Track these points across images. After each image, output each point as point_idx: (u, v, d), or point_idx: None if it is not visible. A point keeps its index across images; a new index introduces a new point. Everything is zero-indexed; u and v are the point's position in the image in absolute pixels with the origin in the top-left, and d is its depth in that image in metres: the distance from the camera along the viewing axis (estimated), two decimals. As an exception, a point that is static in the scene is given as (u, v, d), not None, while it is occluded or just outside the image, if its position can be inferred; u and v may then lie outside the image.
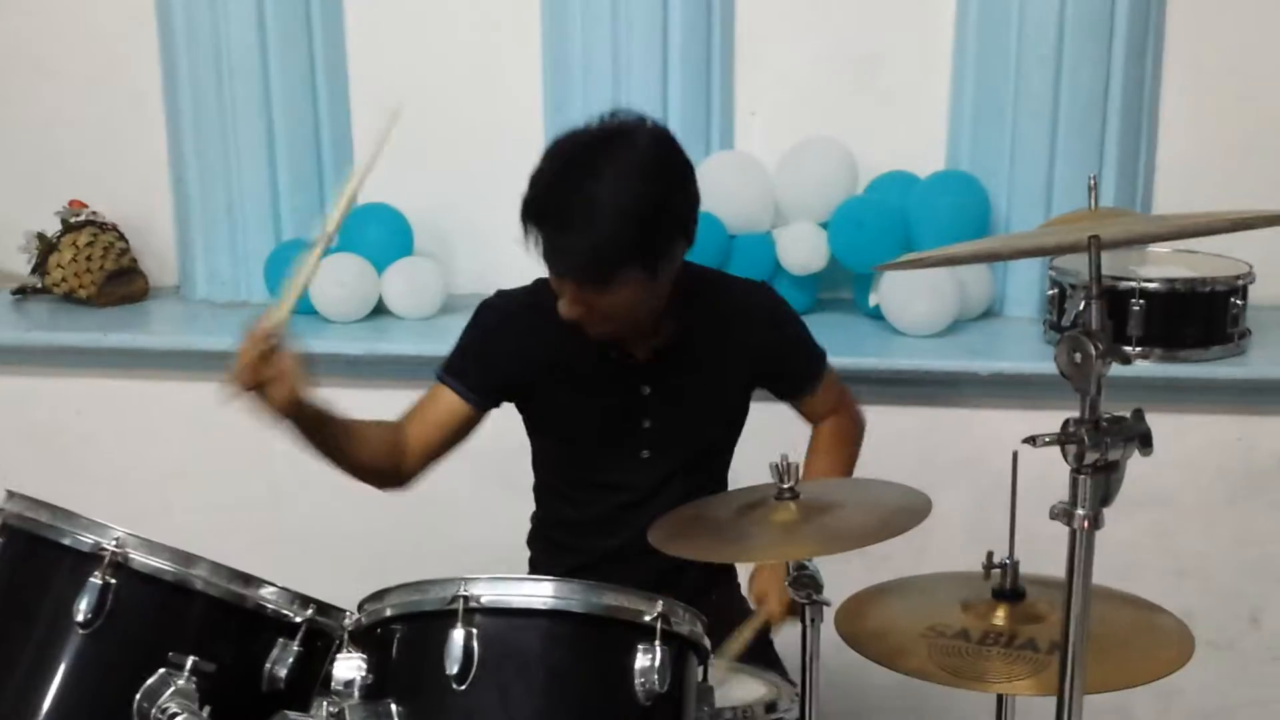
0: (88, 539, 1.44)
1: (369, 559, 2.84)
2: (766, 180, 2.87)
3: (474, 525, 2.83)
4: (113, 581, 1.42)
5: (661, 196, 1.77)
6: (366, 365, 2.83)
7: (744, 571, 2.11)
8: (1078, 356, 1.36)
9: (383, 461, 1.92)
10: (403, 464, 1.94)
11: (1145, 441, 1.38)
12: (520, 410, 2.03)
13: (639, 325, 1.89)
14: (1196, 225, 1.42)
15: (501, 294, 2.02)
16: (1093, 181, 1.44)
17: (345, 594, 1.61)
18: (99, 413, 3.04)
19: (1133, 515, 2.46)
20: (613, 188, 1.73)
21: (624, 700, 1.39)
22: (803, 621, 1.60)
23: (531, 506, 2.15)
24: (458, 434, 1.97)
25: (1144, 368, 2.54)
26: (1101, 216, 1.38)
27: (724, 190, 2.81)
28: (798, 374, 2.06)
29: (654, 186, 1.76)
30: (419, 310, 2.98)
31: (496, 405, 1.99)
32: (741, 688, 1.76)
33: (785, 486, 1.60)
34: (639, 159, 1.77)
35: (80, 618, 1.41)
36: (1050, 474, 1.48)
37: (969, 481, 2.59)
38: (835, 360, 2.59)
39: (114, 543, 1.43)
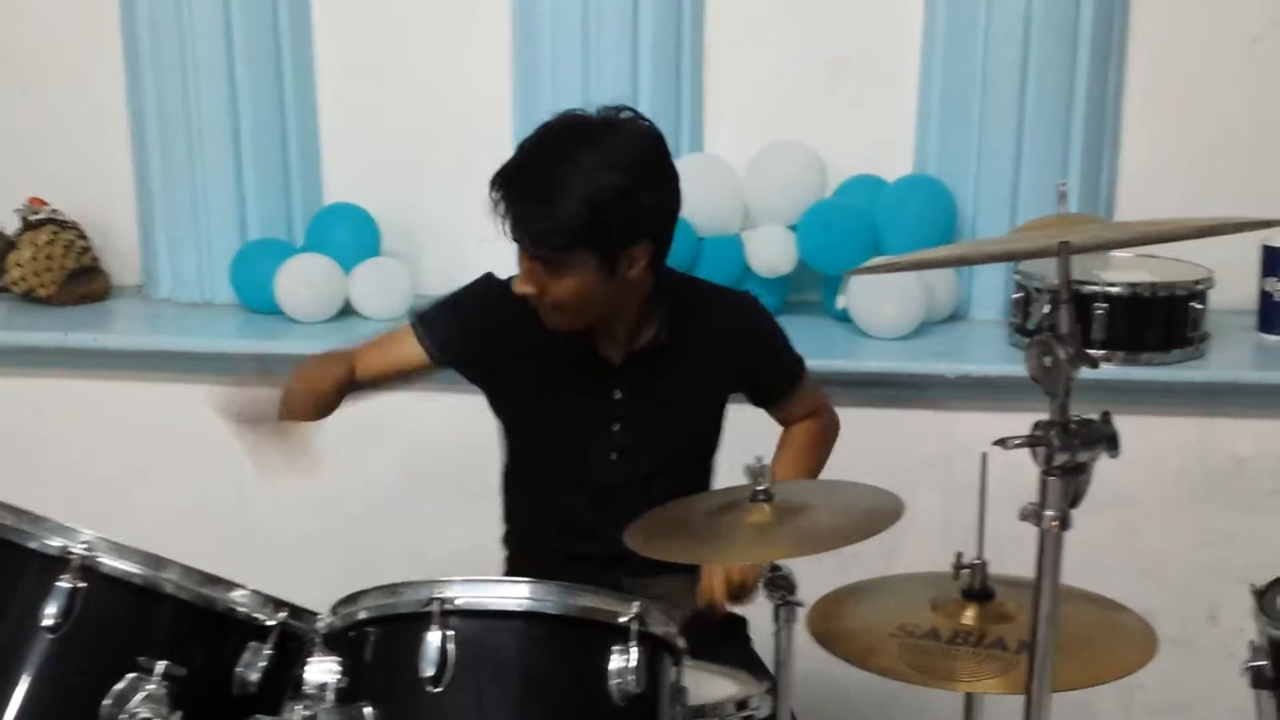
0: (55, 542, 1.43)
1: (334, 561, 2.84)
2: (735, 183, 2.88)
3: (442, 525, 2.82)
4: (81, 585, 1.41)
5: (629, 190, 1.78)
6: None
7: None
8: (1048, 360, 1.39)
9: (324, 407, 1.96)
10: (341, 399, 1.98)
11: (1112, 444, 1.41)
12: (482, 388, 2.05)
13: (591, 319, 1.89)
14: (1162, 232, 1.44)
15: (493, 276, 2.03)
16: (1062, 188, 1.46)
17: (310, 597, 1.60)
18: (59, 414, 3.00)
19: (1096, 515, 2.47)
20: (583, 170, 1.76)
21: (599, 701, 1.39)
22: (776, 621, 1.61)
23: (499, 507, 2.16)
24: (407, 379, 2.04)
25: (1106, 371, 2.57)
26: (1070, 222, 1.40)
27: (693, 193, 2.77)
28: (776, 385, 2.08)
29: (623, 179, 1.77)
30: (386, 310, 2.96)
31: (453, 367, 2.03)
32: (712, 686, 1.77)
33: (759, 489, 1.61)
34: (620, 150, 1.79)
35: (47, 622, 1.40)
36: (1018, 475, 1.50)
37: (937, 482, 2.62)
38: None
39: (83, 546, 1.42)
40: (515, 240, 1.82)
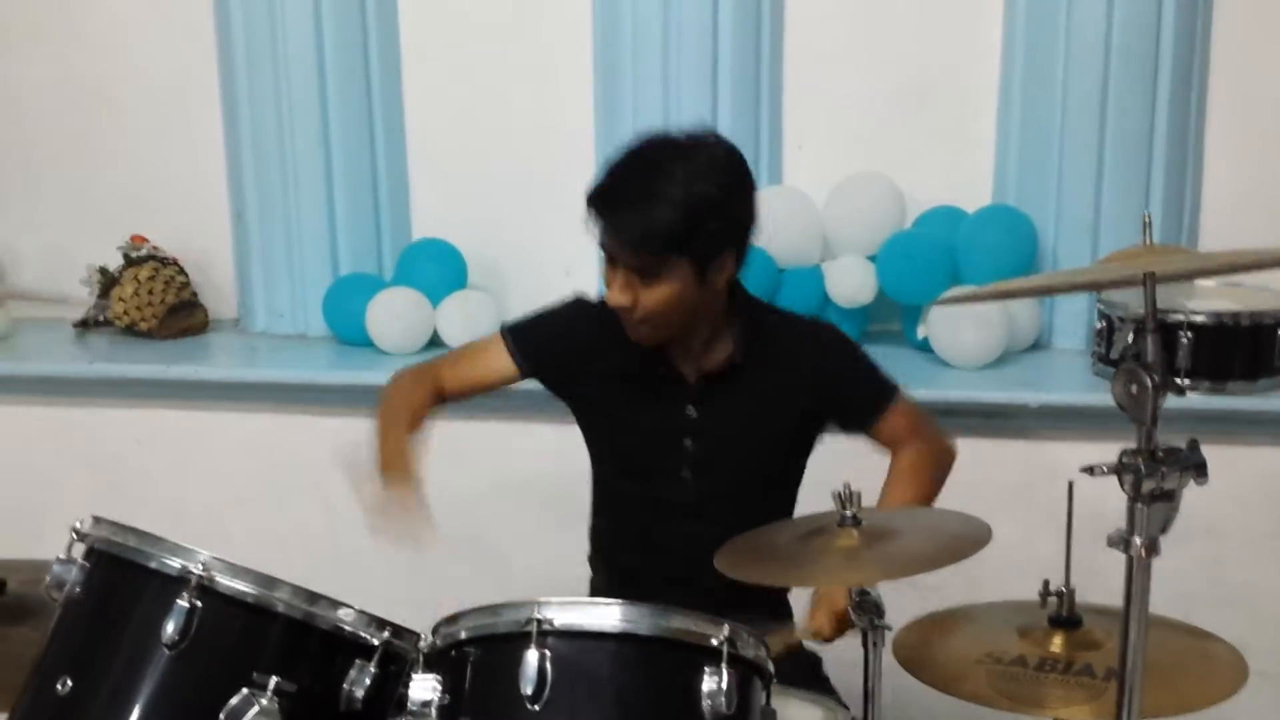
0: (175, 562, 1.48)
1: (426, 584, 2.89)
2: (815, 214, 2.92)
3: (529, 548, 2.87)
4: (199, 604, 1.45)
5: (720, 200, 1.87)
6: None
7: (798, 609, 2.14)
8: (1134, 388, 1.40)
9: (420, 419, 2.06)
10: (433, 410, 2.09)
11: (1201, 471, 1.42)
12: (565, 401, 2.13)
13: (678, 328, 1.95)
14: (1248, 261, 1.45)
15: (584, 297, 2.14)
16: (1147, 219, 1.48)
17: (403, 618, 1.66)
18: (160, 443, 3.11)
19: (1183, 545, 2.46)
20: (679, 181, 1.84)
21: (692, 721, 1.42)
22: (864, 646, 1.63)
23: (584, 534, 2.20)
24: (495, 387, 2.12)
25: (1192, 400, 2.55)
26: (1157, 253, 1.42)
27: (773, 224, 2.84)
28: (856, 409, 2.08)
29: (714, 189, 1.86)
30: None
31: (537, 378, 2.11)
32: (798, 711, 1.79)
33: (848, 513, 1.63)
34: (706, 162, 1.88)
35: (167, 639, 1.44)
36: (1102, 504, 1.52)
37: (1019, 511, 2.61)
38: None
39: (200, 566, 1.47)
40: (613, 249, 1.89)
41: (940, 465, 2.13)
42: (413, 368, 2.18)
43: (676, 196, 1.83)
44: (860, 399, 2.08)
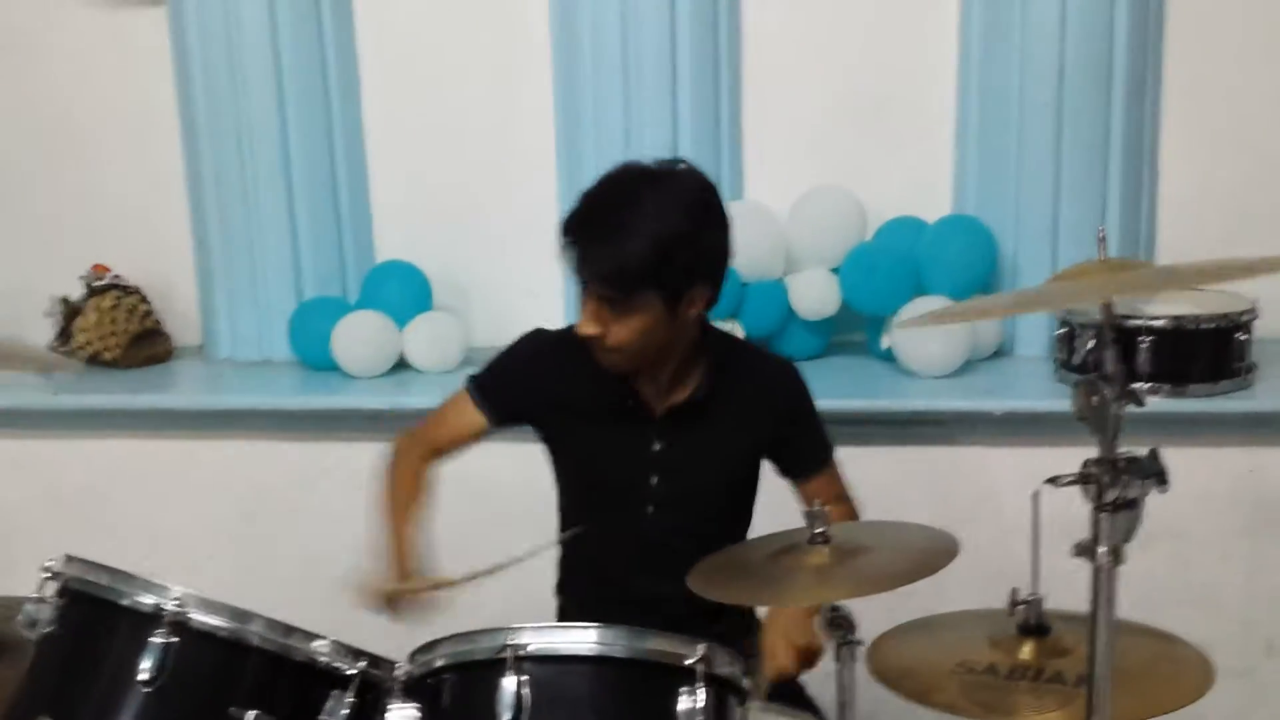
0: (148, 599, 1.48)
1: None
2: (777, 228, 2.94)
3: (498, 576, 2.86)
4: (174, 640, 1.46)
5: (692, 234, 1.87)
6: (390, 419, 2.88)
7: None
8: (1095, 400, 1.43)
9: (425, 492, 2.11)
10: (433, 470, 2.13)
11: (1162, 479, 1.45)
12: (541, 438, 2.13)
13: (647, 361, 1.96)
14: (1205, 274, 1.48)
15: (541, 331, 2.13)
16: (1102, 234, 1.50)
17: (375, 647, 1.66)
18: (127, 473, 3.09)
19: (1148, 548, 2.48)
20: (650, 214, 1.84)
21: (670, 742, 1.43)
22: (837, 661, 1.65)
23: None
24: (471, 441, 2.14)
25: (1154, 404, 2.59)
26: (1113, 268, 1.44)
27: (736, 238, 2.87)
28: (804, 456, 2.10)
29: (688, 223, 1.86)
30: (440, 364, 3.04)
31: (510, 425, 2.11)
32: (776, 728, 1.80)
33: (817, 531, 1.65)
34: (681, 196, 1.88)
35: (144, 677, 1.45)
36: (1066, 511, 1.54)
37: (984, 519, 2.63)
38: (849, 403, 2.66)
39: (174, 603, 1.47)
40: (584, 280, 1.90)
41: None
42: (408, 435, 2.17)
43: (647, 231, 1.83)
44: (809, 448, 2.11)
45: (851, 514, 2.12)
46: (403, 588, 1.93)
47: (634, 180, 1.90)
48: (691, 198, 1.90)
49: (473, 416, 2.09)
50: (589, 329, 1.91)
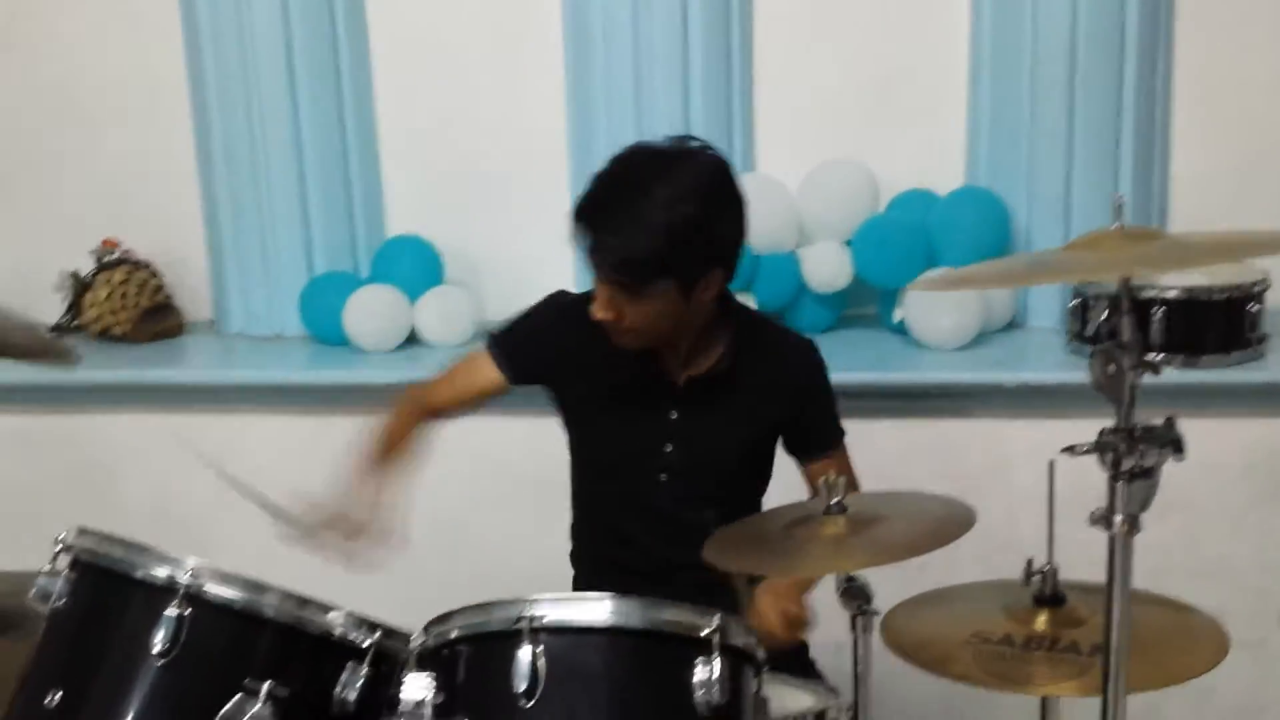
0: (161, 571, 1.48)
1: (408, 585, 2.90)
2: (789, 201, 2.93)
3: (511, 545, 2.88)
4: (188, 612, 1.46)
5: (705, 220, 1.83)
6: (401, 393, 2.89)
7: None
8: (1111, 369, 1.42)
9: (416, 444, 2.12)
10: (428, 429, 2.13)
11: (1177, 448, 1.44)
12: (556, 402, 2.12)
13: (662, 340, 1.95)
14: (1220, 246, 1.47)
15: (564, 293, 2.12)
16: (1119, 201, 1.49)
17: (391, 618, 1.66)
18: (138, 447, 3.09)
19: (1162, 519, 2.49)
20: (661, 202, 1.81)
21: (684, 712, 1.43)
22: (853, 631, 1.65)
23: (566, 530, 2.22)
24: (481, 400, 2.13)
25: (1166, 374, 2.56)
26: (1130, 236, 1.43)
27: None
28: (815, 436, 2.09)
29: (700, 209, 1.83)
30: (452, 338, 3.04)
31: (526, 385, 2.10)
32: (789, 698, 1.80)
33: (833, 501, 1.65)
34: (693, 180, 1.84)
35: (157, 649, 1.45)
36: (1082, 480, 1.53)
37: (998, 490, 2.62)
38: (861, 376, 2.65)
39: (187, 574, 1.47)
40: (597, 268, 1.88)
41: None
42: (415, 387, 2.19)
43: (659, 220, 1.80)
44: (820, 428, 2.10)
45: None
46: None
47: (646, 165, 1.86)
48: (705, 182, 1.86)
49: (490, 375, 2.08)
50: (603, 314, 1.89)
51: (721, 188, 1.89)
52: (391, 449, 2.08)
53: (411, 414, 2.13)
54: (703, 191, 1.85)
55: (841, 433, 2.11)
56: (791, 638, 1.89)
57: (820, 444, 2.09)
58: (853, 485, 2.08)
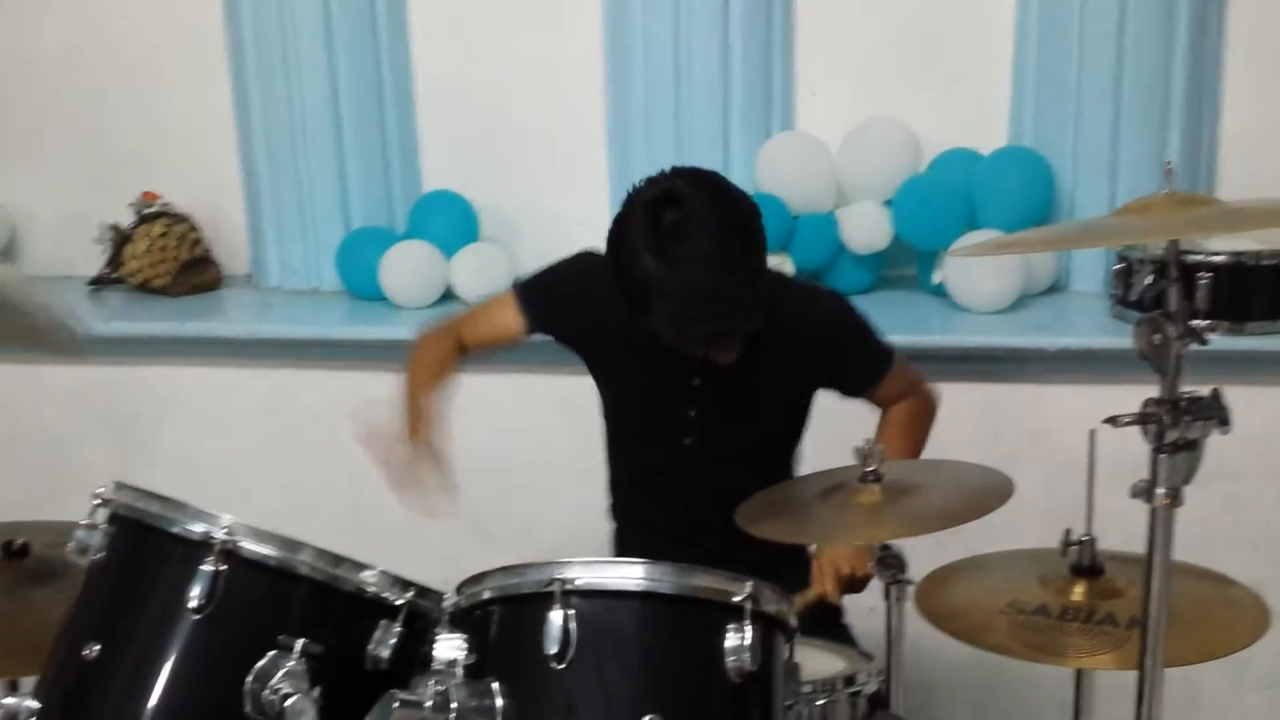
0: (198, 528, 1.48)
1: (444, 540, 2.92)
2: (829, 160, 2.89)
3: (550, 501, 2.89)
4: (223, 568, 1.46)
5: (758, 252, 1.85)
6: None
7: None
8: (1157, 338, 1.39)
9: (446, 377, 2.12)
10: (457, 367, 2.14)
11: (1224, 420, 1.41)
12: (579, 355, 2.13)
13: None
14: (1271, 212, 1.43)
15: (592, 254, 2.06)
16: (1169, 167, 1.46)
17: (423, 576, 1.67)
18: (176, 400, 3.12)
19: (1204, 488, 2.46)
20: (741, 277, 1.80)
21: (716, 678, 1.42)
22: (887, 599, 1.64)
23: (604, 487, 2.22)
24: (507, 342, 2.15)
25: (1212, 341, 2.53)
26: (1179, 201, 1.40)
27: (786, 171, 2.84)
28: (857, 378, 2.09)
29: (754, 248, 1.84)
30: (486, 294, 3.01)
31: (542, 333, 2.12)
32: (819, 661, 1.80)
33: (869, 469, 1.63)
34: (743, 238, 1.83)
35: (193, 604, 1.45)
36: (1121, 449, 1.51)
37: (1037, 457, 2.61)
38: (900, 338, 2.60)
39: (223, 531, 1.47)
40: (688, 345, 1.87)
41: (930, 417, 2.18)
42: (437, 324, 2.21)
43: (748, 296, 1.81)
44: (863, 369, 2.09)
45: (922, 405, 2.14)
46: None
47: (714, 240, 1.78)
48: (749, 235, 1.84)
49: (512, 318, 2.10)
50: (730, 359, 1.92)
51: (747, 218, 1.85)
52: (433, 376, 2.09)
53: (449, 345, 2.15)
54: (752, 244, 1.84)
55: (889, 354, 2.09)
56: (848, 593, 1.91)
57: (873, 378, 2.08)
58: (919, 391, 2.13)
